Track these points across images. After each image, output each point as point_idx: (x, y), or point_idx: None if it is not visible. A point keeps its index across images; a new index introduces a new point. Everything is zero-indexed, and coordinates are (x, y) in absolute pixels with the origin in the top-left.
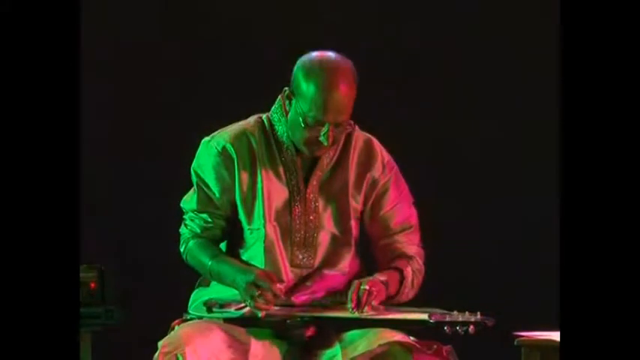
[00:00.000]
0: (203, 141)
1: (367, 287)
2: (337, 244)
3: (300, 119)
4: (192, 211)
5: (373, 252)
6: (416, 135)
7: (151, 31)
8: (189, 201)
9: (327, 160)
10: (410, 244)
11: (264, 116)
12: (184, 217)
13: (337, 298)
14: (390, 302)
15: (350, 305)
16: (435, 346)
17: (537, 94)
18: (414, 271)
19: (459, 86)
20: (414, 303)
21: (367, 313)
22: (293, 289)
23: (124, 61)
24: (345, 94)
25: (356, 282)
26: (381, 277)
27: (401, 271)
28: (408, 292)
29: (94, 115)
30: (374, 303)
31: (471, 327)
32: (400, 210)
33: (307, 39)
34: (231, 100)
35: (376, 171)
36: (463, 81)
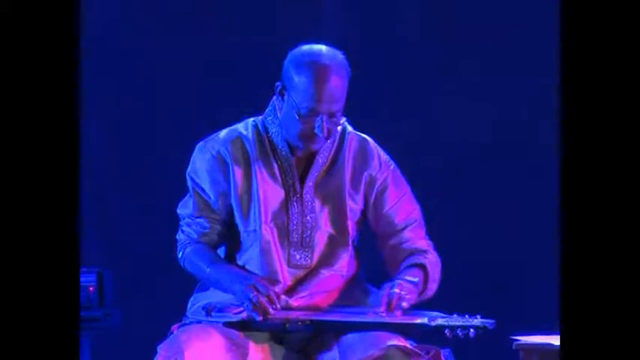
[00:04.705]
0: (197, 146)
1: (398, 290)
2: (334, 244)
3: (294, 112)
4: (189, 217)
5: (382, 253)
6: (414, 135)
7: (150, 32)
8: (185, 206)
9: (322, 160)
10: (417, 238)
11: (257, 119)
12: (181, 222)
13: (336, 300)
14: (419, 300)
15: (381, 308)
16: (433, 350)
17: (537, 93)
18: (432, 264)
19: (457, 85)
20: (414, 305)
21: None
22: (290, 290)
23: (124, 61)
24: (337, 83)
25: (386, 285)
26: (408, 277)
27: (423, 266)
28: (432, 285)
29: (94, 115)
30: (405, 305)
31: (471, 330)
32: (402, 206)
33: (305, 41)
34: (227, 103)
35: (373, 169)
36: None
